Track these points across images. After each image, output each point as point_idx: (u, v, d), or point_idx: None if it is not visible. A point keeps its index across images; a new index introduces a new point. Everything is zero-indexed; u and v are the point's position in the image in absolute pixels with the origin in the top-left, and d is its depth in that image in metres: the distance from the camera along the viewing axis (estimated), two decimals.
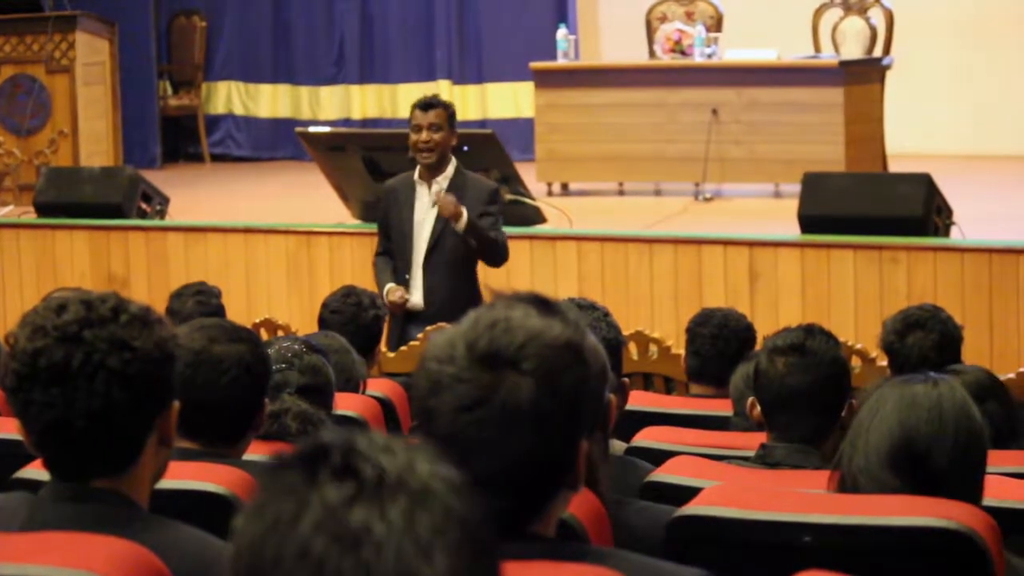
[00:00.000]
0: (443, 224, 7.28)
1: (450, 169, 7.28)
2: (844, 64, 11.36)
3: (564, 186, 11.92)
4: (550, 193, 11.61)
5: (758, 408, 3.79)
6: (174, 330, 2.57)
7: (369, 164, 10.16)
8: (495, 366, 2.01)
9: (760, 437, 3.84)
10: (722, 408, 4.85)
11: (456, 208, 7.17)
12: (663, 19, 12.36)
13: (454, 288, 7.30)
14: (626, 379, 3.69)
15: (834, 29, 12.03)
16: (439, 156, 7.23)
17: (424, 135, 7.20)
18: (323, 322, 6.12)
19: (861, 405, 2.93)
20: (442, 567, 1.44)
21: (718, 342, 5.47)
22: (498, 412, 2.00)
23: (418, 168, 7.39)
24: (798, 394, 3.71)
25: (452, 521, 1.47)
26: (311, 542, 1.43)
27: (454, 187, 7.26)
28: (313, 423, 3.79)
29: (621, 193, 11.91)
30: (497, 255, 7.35)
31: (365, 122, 14.41)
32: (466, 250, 7.28)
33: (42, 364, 2.44)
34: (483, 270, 7.52)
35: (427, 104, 7.29)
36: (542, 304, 2.06)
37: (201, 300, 6.42)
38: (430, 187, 7.33)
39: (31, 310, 2.52)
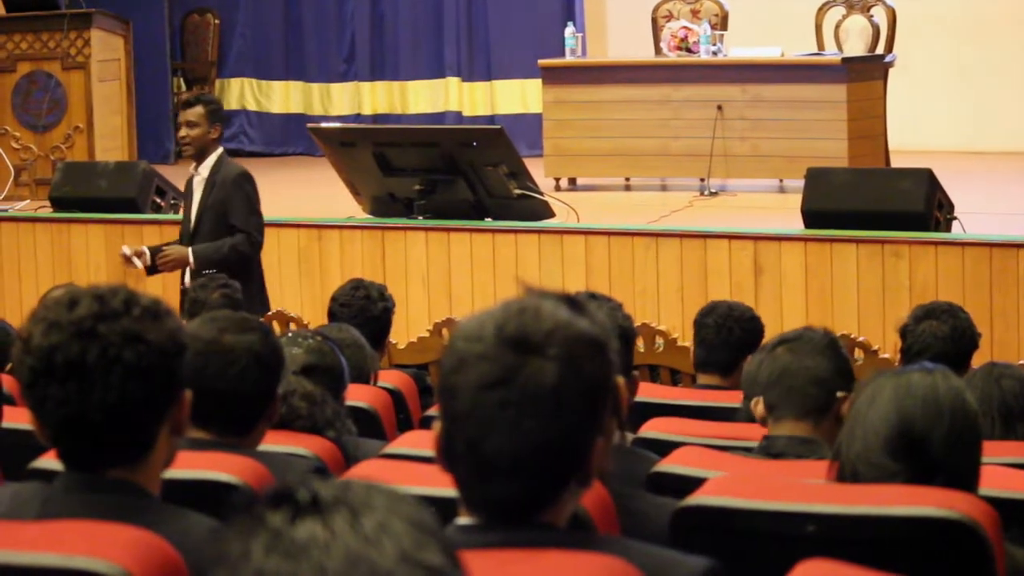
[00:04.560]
0: (201, 211, 7.84)
1: (212, 159, 7.82)
2: (847, 61, 11.34)
3: (572, 181, 11.96)
4: (558, 188, 11.65)
5: (762, 406, 3.78)
6: (181, 322, 2.56)
7: (379, 159, 10.18)
8: (521, 349, 2.02)
9: (764, 428, 3.83)
10: (728, 399, 4.84)
11: (178, 260, 7.82)
12: (669, 17, 12.37)
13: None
14: (636, 371, 3.69)
15: (837, 27, 12.02)
16: (196, 149, 7.80)
17: (183, 131, 7.82)
18: (332, 315, 6.12)
19: (858, 396, 2.94)
20: (393, 552, 1.49)
21: (721, 331, 5.54)
22: (519, 393, 2.01)
23: None
24: (794, 374, 3.71)
25: (397, 517, 1.52)
26: (264, 566, 1.48)
27: (213, 175, 7.80)
28: (318, 404, 3.79)
29: (627, 188, 11.95)
30: (241, 260, 7.72)
31: (376, 118, 14.39)
32: (219, 233, 7.76)
33: (58, 360, 2.44)
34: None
35: (185, 103, 7.96)
36: (572, 302, 2.08)
37: (227, 293, 6.53)
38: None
39: (41, 306, 2.51)
